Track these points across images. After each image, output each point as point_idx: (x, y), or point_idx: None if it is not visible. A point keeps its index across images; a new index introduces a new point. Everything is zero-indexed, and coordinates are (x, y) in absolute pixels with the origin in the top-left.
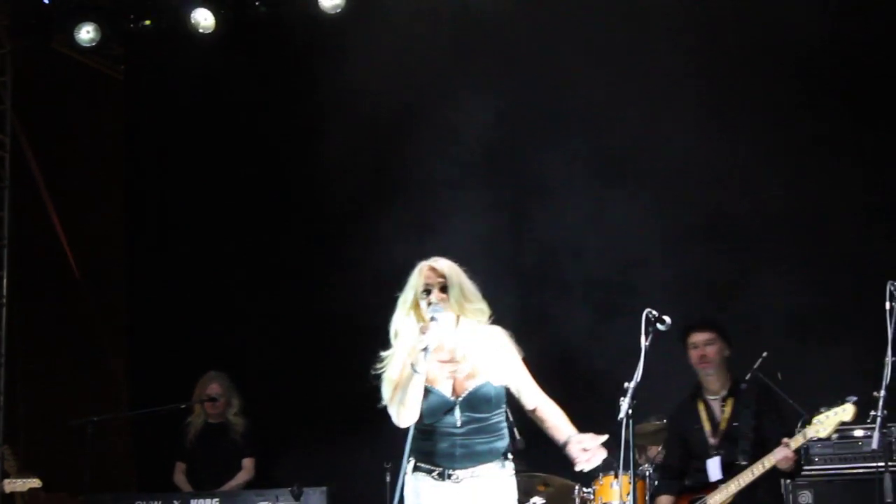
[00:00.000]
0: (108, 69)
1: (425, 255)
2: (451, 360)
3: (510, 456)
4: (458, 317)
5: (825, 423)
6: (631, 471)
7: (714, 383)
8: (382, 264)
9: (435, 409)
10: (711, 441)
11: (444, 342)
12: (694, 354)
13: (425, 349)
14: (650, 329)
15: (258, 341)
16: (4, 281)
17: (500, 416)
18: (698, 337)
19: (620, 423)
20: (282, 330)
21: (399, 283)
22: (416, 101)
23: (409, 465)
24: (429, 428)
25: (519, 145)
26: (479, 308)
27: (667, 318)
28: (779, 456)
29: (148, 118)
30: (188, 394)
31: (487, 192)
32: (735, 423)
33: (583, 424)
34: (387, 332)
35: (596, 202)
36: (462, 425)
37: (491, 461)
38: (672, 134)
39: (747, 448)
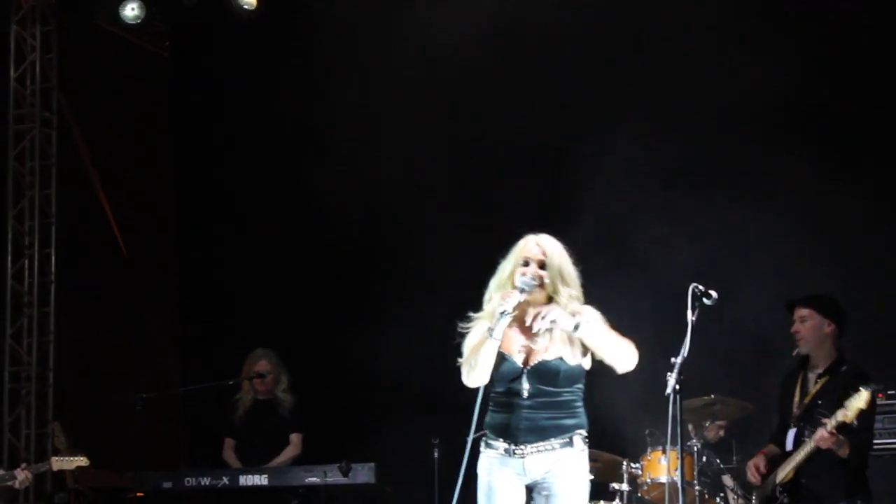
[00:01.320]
0: (153, 46)
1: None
2: (531, 332)
3: (582, 434)
4: (549, 297)
5: (848, 407)
6: (679, 446)
7: (814, 358)
8: (437, 248)
9: (504, 376)
10: (795, 412)
11: (529, 313)
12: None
13: (503, 313)
14: (696, 304)
15: (306, 318)
16: (53, 258)
17: (574, 395)
18: (795, 313)
19: (667, 398)
20: (329, 307)
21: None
22: (468, 83)
23: (482, 443)
24: (500, 400)
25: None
26: (573, 294)
27: (713, 293)
28: (817, 437)
29: (193, 95)
30: (236, 371)
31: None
32: (819, 401)
33: None
34: (438, 316)
35: None
36: (529, 397)
37: (556, 437)
38: None
39: (817, 426)
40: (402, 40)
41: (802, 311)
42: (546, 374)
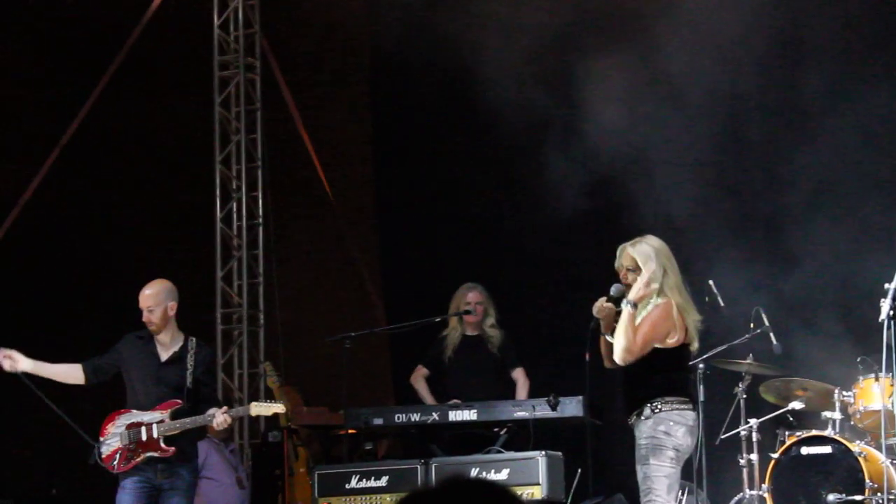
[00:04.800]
0: None
1: None
2: None
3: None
4: None
5: None
6: (893, 373)
7: None
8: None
9: None
10: None
11: None
12: None
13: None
14: None
15: (508, 255)
16: (260, 201)
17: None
18: None
19: (881, 324)
20: (529, 242)
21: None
22: None
23: None
24: None
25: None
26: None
27: None
28: None
29: (394, 38)
30: (442, 309)
31: None
32: None
33: None
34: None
35: None
36: None
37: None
38: None
39: None
40: None
41: None
42: None
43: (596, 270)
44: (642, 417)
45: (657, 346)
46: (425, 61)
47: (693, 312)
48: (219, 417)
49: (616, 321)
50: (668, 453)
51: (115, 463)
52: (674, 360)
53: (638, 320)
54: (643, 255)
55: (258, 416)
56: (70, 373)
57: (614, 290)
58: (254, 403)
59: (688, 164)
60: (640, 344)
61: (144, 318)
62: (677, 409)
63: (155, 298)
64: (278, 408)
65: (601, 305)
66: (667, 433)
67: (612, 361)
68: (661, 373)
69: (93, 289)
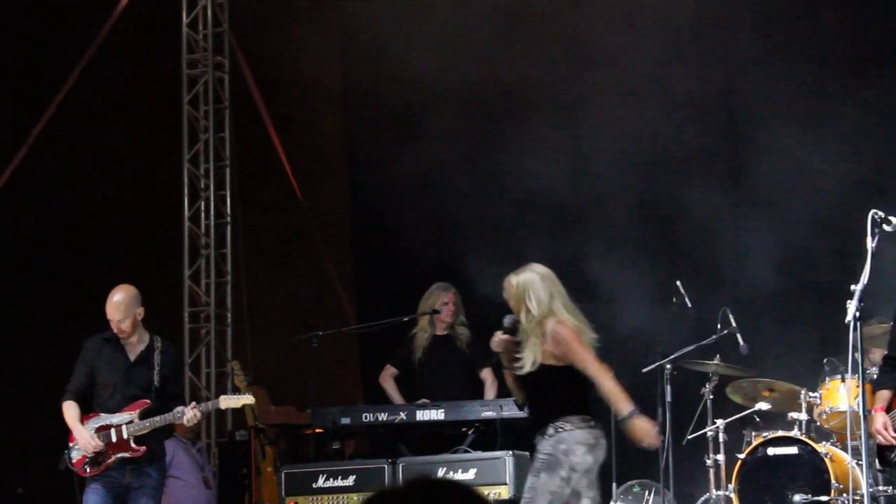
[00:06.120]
0: None
1: None
2: None
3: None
4: None
5: None
6: (860, 374)
7: None
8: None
9: None
10: None
11: None
12: None
13: None
14: (876, 230)
15: (479, 255)
16: (228, 200)
17: None
18: None
19: (847, 325)
20: (500, 242)
21: None
22: None
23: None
24: None
25: None
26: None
27: (893, 219)
28: None
29: (365, 35)
30: (412, 308)
31: None
32: None
33: None
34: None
35: None
36: None
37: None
38: None
39: None
40: None
41: None
42: None
43: (570, 268)
44: (545, 436)
45: (555, 364)
46: (400, 58)
47: (588, 332)
48: (188, 413)
49: (515, 352)
50: (561, 472)
51: (87, 467)
52: (574, 380)
53: (534, 351)
54: (526, 283)
55: (226, 415)
56: (76, 409)
57: (507, 321)
58: (223, 397)
59: (668, 164)
60: (587, 356)
61: (115, 330)
62: (580, 427)
63: (123, 310)
64: (247, 399)
65: (498, 340)
66: (566, 453)
67: (523, 394)
68: (562, 393)
69: (60, 287)
